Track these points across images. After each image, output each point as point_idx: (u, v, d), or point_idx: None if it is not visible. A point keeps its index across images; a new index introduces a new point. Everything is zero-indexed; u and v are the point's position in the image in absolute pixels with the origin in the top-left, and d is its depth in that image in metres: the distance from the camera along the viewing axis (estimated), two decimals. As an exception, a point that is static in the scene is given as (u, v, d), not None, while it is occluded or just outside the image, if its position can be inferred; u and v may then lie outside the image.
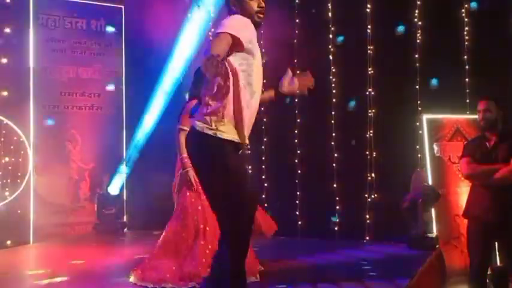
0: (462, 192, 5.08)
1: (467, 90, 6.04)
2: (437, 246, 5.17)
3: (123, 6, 7.71)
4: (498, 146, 3.92)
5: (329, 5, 6.77)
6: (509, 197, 3.83)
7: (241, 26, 2.65)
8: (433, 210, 5.33)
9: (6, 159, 6.66)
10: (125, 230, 7.54)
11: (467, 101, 5.96)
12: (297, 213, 6.89)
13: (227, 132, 2.65)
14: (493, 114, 3.94)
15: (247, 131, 2.73)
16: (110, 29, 7.57)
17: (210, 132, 2.62)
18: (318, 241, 6.56)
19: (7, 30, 6.71)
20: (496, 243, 4.05)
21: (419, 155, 5.87)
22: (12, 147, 6.72)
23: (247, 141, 2.75)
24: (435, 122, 5.44)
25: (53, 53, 7.27)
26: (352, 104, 6.71)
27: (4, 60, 6.63)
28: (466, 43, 6.15)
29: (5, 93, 6.62)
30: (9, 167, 6.68)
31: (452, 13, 6.22)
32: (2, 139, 6.65)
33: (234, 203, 2.63)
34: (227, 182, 2.62)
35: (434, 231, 5.33)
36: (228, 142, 2.65)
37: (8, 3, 6.68)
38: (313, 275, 4.84)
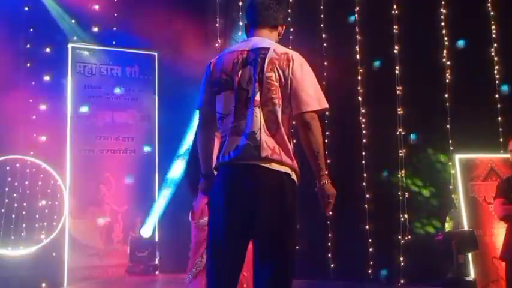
0: (499, 234, 4.95)
1: (500, 129, 5.96)
2: (475, 290, 5.00)
3: (156, 53, 7.97)
4: (532, 185, 3.85)
5: (357, 47, 6.85)
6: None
7: None
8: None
9: (43, 202, 6.83)
10: (157, 272, 7.55)
11: (501, 140, 5.87)
12: (329, 255, 6.79)
13: None
14: (525, 153, 3.89)
15: None
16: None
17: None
18: (351, 284, 6.43)
19: (46, 78, 7.02)
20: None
21: (452, 195, 5.77)
22: (49, 190, 6.89)
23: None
24: (468, 161, 5.36)
25: (89, 99, 7.52)
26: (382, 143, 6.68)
27: (43, 107, 6.90)
28: (497, 81, 6.11)
29: (44, 138, 6.85)
30: (46, 210, 6.84)
31: (482, 52, 6.22)
32: (40, 182, 6.84)
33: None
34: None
35: (472, 274, 5.17)
36: None
37: (48, 53, 7.01)
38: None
